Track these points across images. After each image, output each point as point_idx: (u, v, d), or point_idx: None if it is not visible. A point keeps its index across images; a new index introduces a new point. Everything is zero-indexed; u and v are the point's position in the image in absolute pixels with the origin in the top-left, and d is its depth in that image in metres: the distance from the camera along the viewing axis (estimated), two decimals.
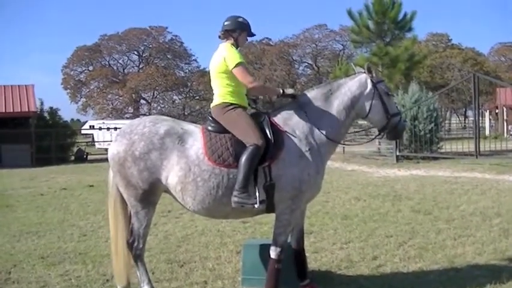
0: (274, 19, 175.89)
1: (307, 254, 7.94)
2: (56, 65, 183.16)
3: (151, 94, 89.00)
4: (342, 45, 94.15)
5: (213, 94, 7.31)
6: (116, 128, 56.73)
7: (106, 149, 53.50)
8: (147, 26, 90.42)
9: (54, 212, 14.40)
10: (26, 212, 14.53)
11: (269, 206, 6.82)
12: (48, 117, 40.73)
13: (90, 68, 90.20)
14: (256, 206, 6.52)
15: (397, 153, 25.85)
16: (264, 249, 7.67)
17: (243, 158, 6.54)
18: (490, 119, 68.66)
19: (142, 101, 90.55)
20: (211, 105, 7.24)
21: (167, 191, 6.91)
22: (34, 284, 8.03)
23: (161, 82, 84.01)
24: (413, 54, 35.68)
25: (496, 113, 65.04)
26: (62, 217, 13.60)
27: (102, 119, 76.57)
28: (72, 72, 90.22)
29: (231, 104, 7.01)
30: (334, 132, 7.15)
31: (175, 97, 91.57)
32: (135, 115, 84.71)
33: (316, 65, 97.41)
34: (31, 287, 7.94)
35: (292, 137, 6.91)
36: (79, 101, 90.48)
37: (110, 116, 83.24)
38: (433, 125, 26.14)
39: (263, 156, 6.65)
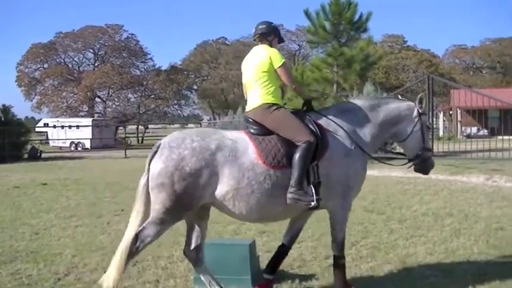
0: (230, 18, 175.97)
1: (259, 253, 7.99)
2: (10, 62, 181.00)
3: (107, 92, 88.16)
4: (298, 45, 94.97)
5: (249, 97, 7.38)
6: (70, 126, 56.39)
7: (60, 147, 53.29)
8: (103, 24, 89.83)
9: (6, 211, 14.24)
10: None
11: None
12: (1, 115, 40.17)
13: (45, 65, 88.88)
14: (313, 203, 6.63)
15: None
16: (216, 248, 7.73)
17: (297, 156, 6.67)
18: (444, 120, 69.53)
19: (97, 99, 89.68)
20: (250, 107, 7.29)
21: (208, 204, 6.84)
22: None
23: (116, 80, 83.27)
24: (369, 55, 35.85)
25: (450, 114, 65.89)
26: (14, 215, 13.47)
27: (57, 117, 75.83)
28: (26, 70, 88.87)
29: (273, 104, 7.12)
30: (370, 141, 7.43)
31: (130, 96, 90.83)
32: (90, 113, 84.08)
33: None
34: None
35: (336, 136, 7.11)
36: (33, 98, 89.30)
37: (65, 114, 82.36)
38: None
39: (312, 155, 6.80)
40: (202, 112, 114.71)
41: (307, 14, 34.94)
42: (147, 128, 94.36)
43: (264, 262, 8.30)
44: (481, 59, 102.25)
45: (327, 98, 31.66)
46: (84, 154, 44.00)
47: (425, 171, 7.85)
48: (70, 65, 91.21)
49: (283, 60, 7.15)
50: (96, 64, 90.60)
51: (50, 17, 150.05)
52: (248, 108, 7.31)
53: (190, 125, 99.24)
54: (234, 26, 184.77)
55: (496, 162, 23.30)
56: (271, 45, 7.38)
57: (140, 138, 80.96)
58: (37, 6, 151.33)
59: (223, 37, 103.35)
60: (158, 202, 6.56)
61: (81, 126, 58.64)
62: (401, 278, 7.86)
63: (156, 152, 6.70)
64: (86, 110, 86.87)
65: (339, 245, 7.26)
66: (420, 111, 7.63)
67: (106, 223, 12.19)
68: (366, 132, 7.37)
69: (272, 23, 7.49)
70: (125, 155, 38.25)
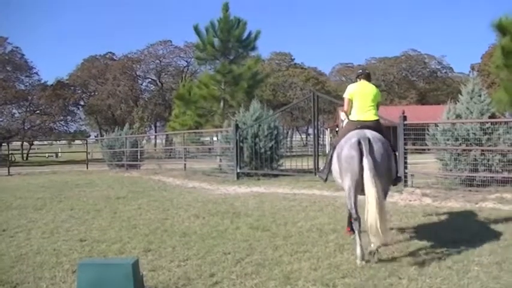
0: (118, 33, 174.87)
1: (143, 272, 7.88)
2: None
3: None
4: (187, 61, 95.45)
5: (362, 111, 10.72)
6: None
7: None
8: None
9: None
10: None
11: None
12: None
13: None
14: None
15: (238, 170, 25.74)
16: (98, 267, 7.60)
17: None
18: (330, 137, 70.80)
19: None
20: (367, 118, 10.58)
21: None
22: None
23: (0, 95, 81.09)
24: (257, 73, 36.28)
25: (337, 132, 67.02)
26: None
27: None
28: None
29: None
30: None
31: (14, 111, 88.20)
32: None
33: (160, 81, 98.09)
34: None
35: None
36: None
37: None
38: (273, 142, 26.35)
39: None
40: (89, 128, 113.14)
41: (196, 30, 35.17)
42: (32, 144, 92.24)
43: (148, 281, 8.22)
44: None
45: (214, 115, 31.90)
46: None
47: None
48: None
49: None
50: None
51: None
52: (364, 117, 10.54)
53: (77, 141, 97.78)
54: (121, 41, 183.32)
55: None
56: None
57: (25, 155, 79.11)
58: None
59: (110, 52, 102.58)
60: (387, 182, 9.99)
61: None
62: None
63: (369, 144, 9.58)
64: None
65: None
66: None
67: None
68: None
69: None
70: (8, 172, 37.26)
